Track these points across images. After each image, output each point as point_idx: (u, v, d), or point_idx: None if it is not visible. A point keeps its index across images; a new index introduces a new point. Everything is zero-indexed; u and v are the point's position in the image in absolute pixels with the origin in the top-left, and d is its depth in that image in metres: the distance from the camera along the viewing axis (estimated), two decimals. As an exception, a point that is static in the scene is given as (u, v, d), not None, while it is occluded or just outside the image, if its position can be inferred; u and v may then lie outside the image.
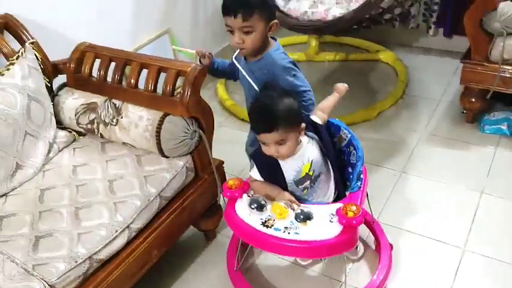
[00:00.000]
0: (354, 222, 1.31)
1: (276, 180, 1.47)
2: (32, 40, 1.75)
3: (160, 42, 2.56)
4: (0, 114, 1.55)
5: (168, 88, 1.60)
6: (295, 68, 1.58)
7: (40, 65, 1.75)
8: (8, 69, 1.65)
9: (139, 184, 1.54)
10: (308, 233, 1.34)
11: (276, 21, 1.53)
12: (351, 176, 1.52)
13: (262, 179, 1.49)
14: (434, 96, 2.64)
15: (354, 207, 1.34)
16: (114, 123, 1.69)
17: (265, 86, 1.51)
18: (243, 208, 1.43)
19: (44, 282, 1.26)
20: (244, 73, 1.57)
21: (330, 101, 1.60)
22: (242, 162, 2.28)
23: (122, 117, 1.67)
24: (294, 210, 1.39)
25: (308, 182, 1.45)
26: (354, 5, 2.22)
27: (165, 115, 1.60)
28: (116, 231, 1.41)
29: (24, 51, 1.70)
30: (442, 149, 2.27)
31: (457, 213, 1.92)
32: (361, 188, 1.46)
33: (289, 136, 1.38)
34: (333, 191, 1.52)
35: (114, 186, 1.55)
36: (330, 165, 1.50)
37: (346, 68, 3.03)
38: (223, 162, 1.80)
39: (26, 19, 1.79)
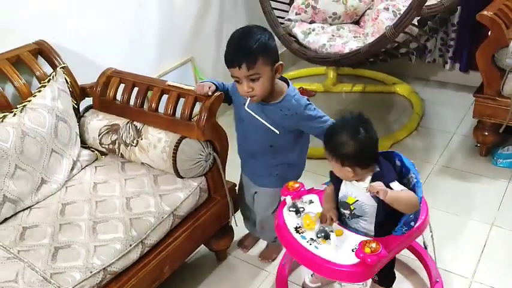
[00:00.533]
0: (369, 259, 1.31)
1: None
2: (62, 65, 1.88)
3: (183, 70, 2.68)
4: (31, 133, 1.67)
5: (186, 112, 1.70)
6: (319, 112, 1.65)
7: (69, 88, 1.87)
8: (39, 91, 1.77)
9: (155, 202, 1.62)
10: (326, 251, 1.39)
11: (281, 62, 1.54)
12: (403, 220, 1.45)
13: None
14: (449, 130, 2.68)
15: (373, 245, 1.34)
16: (134, 144, 1.79)
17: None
18: (287, 212, 1.54)
19: (60, 290, 1.34)
20: (255, 115, 1.57)
21: None
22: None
23: (141, 139, 1.77)
24: (324, 225, 1.44)
25: (348, 212, 1.48)
26: (370, 39, 2.30)
27: (182, 138, 1.69)
28: (130, 245, 1.49)
29: (55, 75, 1.82)
30: (454, 181, 2.30)
31: (467, 244, 1.93)
32: (405, 234, 1.44)
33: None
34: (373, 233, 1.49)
35: (130, 203, 1.63)
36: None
37: (363, 99, 3.10)
38: (235, 185, 1.87)
39: (59, 46, 1.93)
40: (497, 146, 2.40)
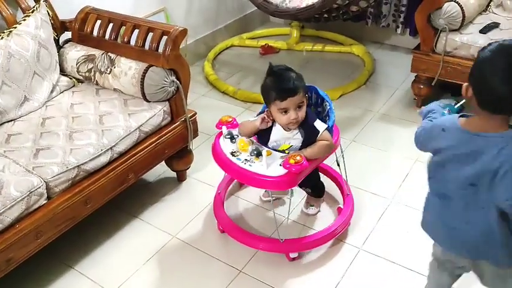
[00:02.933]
0: (293, 169, 1.60)
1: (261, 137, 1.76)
2: (45, -1, 2.11)
3: (155, 18, 2.91)
4: (16, 54, 1.91)
5: (153, 44, 1.96)
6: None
7: (50, 21, 2.11)
8: (24, 20, 2.00)
9: (124, 118, 1.90)
10: (258, 167, 1.67)
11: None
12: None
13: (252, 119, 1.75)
14: (394, 85, 3.00)
15: (298, 157, 1.63)
16: (108, 72, 2.04)
17: (271, 66, 1.73)
18: (223, 140, 1.79)
19: (41, 179, 1.61)
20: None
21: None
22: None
23: (114, 67, 2.03)
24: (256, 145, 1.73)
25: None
26: (324, -4, 2.59)
27: (150, 66, 1.95)
28: (101, 150, 1.76)
29: (39, 7, 2.05)
30: (390, 126, 2.63)
31: (392, 174, 2.27)
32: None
33: (304, 100, 1.67)
34: None
35: (103, 119, 1.90)
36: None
37: (322, 57, 3.39)
38: (195, 113, 2.15)
39: (42, -18, 2.15)
40: (432, 100, 2.73)
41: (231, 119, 1.85)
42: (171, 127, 2.03)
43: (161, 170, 2.29)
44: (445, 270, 1.47)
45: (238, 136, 1.79)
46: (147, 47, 1.99)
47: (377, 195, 2.15)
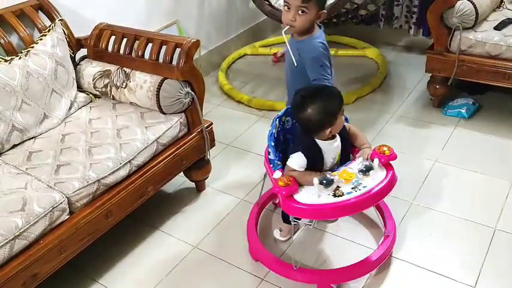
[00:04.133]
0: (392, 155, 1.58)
1: (314, 167, 1.61)
2: (60, 18, 2.15)
3: (168, 31, 2.95)
4: (34, 73, 1.94)
5: (167, 57, 1.98)
6: (324, 61, 1.79)
7: (66, 39, 2.15)
8: (40, 39, 2.05)
9: (141, 132, 1.92)
10: (371, 182, 1.54)
11: (324, 11, 1.74)
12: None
13: (301, 169, 1.59)
14: (409, 86, 2.98)
15: (385, 148, 1.60)
16: (124, 86, 2.07)
17: None
18: (306, 196, 1.54)
19: (63, 194, 1.64)
20: (289, 48, 1.78)
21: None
22: (234, 134, 2.68)
23: (130, 81, 2.05)
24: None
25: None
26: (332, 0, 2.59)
27: (164, 78, 1.98)
28: (120, 163, 1.78)
29: (54, 26, 2.10)
30: (407, 127, 2.61)
31: (413, 175, 2.24)
32: None
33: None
34: None
35: (120, 133, 1.92)
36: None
37: (335, 61, 3.33)
38: (211, 124, 2.16)
39: (57, 2, 2.20)
40: (449, 99, 2.71)
41: (287, 179, 1.56)
42: (188, 138, 2.04)
43: (180, 181, 2.30)
44: None
45: (334, 176, 1.56)
46: (161, 60, 2.02)
47: (396, 198, 2.13)
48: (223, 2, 3.38)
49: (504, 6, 2.67)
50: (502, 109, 2.65)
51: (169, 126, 1.96)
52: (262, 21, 3.73)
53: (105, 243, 1.93)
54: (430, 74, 2.67)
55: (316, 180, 1.51)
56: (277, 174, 1.60)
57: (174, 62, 1.97)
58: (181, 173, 2.14)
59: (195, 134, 2.07)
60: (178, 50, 1.96)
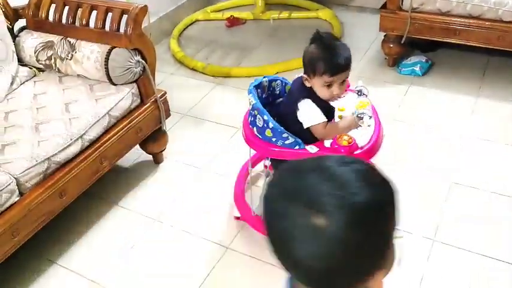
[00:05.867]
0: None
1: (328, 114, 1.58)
2: (-7, -14, 1.99)
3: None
4: (-33, 47, 1.80)
5: (114, 25, 1.87)
6: None
7: (1, 9, 1.99)
8: (-28, 10, 1.89)
9: (91, 105, 1.83)
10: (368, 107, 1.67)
11: None
12: None
13: (324, 118, 1.55)
14: (364, 46, 2.97)
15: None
16: (69, 58, 1.96)
17: (319, 33, 1.54)
18: (362, 138, 1.57)
19: (10, 175, 1.54)
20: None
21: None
22: (190, 103, 2.61)
23: (75, 52, 1.94)
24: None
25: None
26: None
27: (112, 48, 1.88)
28: (71, 139, 1.70)
29: (-13, -5, 1.94)
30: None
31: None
32: None
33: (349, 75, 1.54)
34: None
35: (69, 108, 1.82)
36: None
37: (289, 24, 3.33)
38: (165, 93, 2.09)
39: (-12, -32, 2.03)
40: (403, 58, 2.73)
41: (348, 137, 1.55)
42: (142, 109, 1.97)
43: (137, 155, 2.23)
44: None
45: (362, 110, 1.62)
46: (107, 28, 1.91)
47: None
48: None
49: (453, -38, 2.68)
50: (454, 65, 2.69)
51: (121, 98, 1.88)
52: (214, -15, 3.61)
53: (62, 222, 1.86)
54: (384, 34, 2.66)
55: (366, 118, 1.59)
56: (312, 148, 1.54)
57: (122, 30, 1.87)
58: (138, 145, 2.07)
59: (148, 104, 2.00)
60: (125, 16, 1.86)
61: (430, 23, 2.45)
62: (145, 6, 1.87)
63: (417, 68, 2.64)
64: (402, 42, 2.59)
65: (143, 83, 1.96)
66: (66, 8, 2.00)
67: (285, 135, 1.55)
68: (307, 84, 1.55)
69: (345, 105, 1.69)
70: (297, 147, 1.56)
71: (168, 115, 2.12)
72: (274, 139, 1.57)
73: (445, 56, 2.76)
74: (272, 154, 1.63)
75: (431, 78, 2.62)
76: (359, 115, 1.59)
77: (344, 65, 1.49)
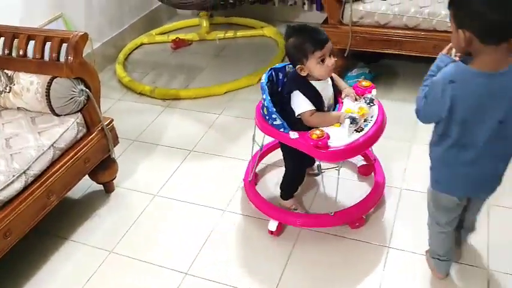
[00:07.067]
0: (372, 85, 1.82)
1: (317, 104, 1.68)
2: None
3: (54, 26, 2.73)
4: None
5: (53, 54, 1.82)
6: None
7: None
8: None
9: (34, 138, 1.76)
10: (374, 112, 1.72)
11: None
12: None
13: (312, 107, 1.67)
14: (309, 61, 3.03)
15: (363, 82, 1.84)
16: (7, 91, 1.88)
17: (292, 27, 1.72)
18: (337, 139, 1.62)
19: None
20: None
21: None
22: (139, 128, 2.57)
23: (14, 85, 1.87)
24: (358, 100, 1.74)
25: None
26: (226, -18, 2.55)
27: (53, 78, 1.82)
28: (13, 176, 1.62)
29: None
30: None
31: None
32: None
33: None
34: None
35: (10, 143, 1.75)
36: None
37: (236, 43, 3.36)
38: (112, 120, 2.04)
39: None
40: (347, 70, 2.80)
41: (319, 132, 1.63)
42: (88, 139, 1.91)
43: (86, 185, 2.16)
44: (451, 225, 1.54)
45: (355, 114, 1.66)
46: (47, 58, 1.85)
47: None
48: (112, -9, 3.19)
49: (387, -23, 2.79)
50: (395, 74, 2.79)
51: (66, 129, 1.82)
52: (157, 7, 3.59)
53: (9, 265, 1.76)
54: (327, 48, 2.73)
55: (347, 121, 1.62)
56: (294, 134, 1.66)
57: (62, 59, 1.82)
58: (87, 176, 2.01)
59: (95, 133, 1.95)
60: (65, 45, 1.81)
61: (371, 36, 2.54)
62: (85, 34, 1.83)
63: (362, 79, 2.71)
64: (345, 55, 2.66)
65: (88, 111, 1.91)
66: (2, 39, 1.93)
67: (274, 116, 1.69)
68: (303, 74, 1.67)
69: (354, 109, 1.71)
70: (282, 129, 1.69)
71: (116, 142, 2.07)
72: (267, 117, 1.73)
73: (387, 66, 2.86)
74: (263, 130, 1.78)
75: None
76: (347, 116, 1.65)
77: (326, 36, 1.67)
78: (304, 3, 3.38)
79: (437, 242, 1.60)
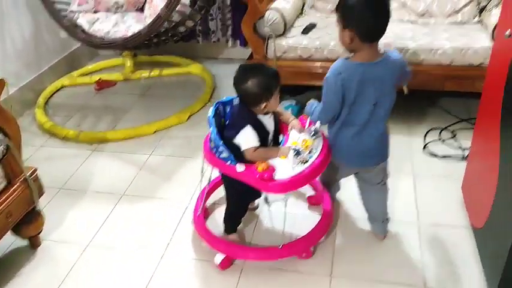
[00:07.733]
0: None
1: (263, 138, 1.72)
2: None
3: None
4: None
5: (-34, 104, 1.70)
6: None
7: None
8: None
9: None
10: (319, 144, 1.74)
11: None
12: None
13: (258, 143, 1.69)
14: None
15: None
16: None
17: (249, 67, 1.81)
18: (282, 172, 1.64)
19: None
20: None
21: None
22: (65, 175, 2.44)
23: None
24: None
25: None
26: (149, 21, 2.53)
27: (-34, 129, 1.69)
28: None
29: None
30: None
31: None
32: None
33: None
34: None
35: None
36: None
37: (162, 82, 3.33)
38: (36, 170, 1.92)
39: None
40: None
41: (264, 164, 1.64)
42: (10, 191, 1.78)
43: (9, 242, 1.99)
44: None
45: (298, 146, 1.68)
46: (-42, 108, 1.72)
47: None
48: (27, 35, 3.05)
49: (305, 12, 2.93)
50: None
51: (-17, 183, 1.68)
52: (77, 48, 3.49)
53: None
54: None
55: (292, 153, 1.65)
56: (241, 167, 1.66)
57: (-24, 108, 1.70)
58: (10, 231, 1.86)
59: (18, 184, 1.81)
60: (-22, 93, 1.70)
61: (295, 69, 2.62)
62: (2, 80, 1.73)
63: (289, 112, 2.77)
64: (273, 88, 2.72)
65: (8, 162, 1.78)
66: None
67: (221, 148, 1.69)
68: (264, 110, 1.70)
69: (298, 141, 1.73)
70: (229, 162, 1.69)
71: (41, 193, 1.94)
72: (214, 150, 1.73)
73: (312, 97, 2.94)
74: (210, 162, 1.78)
75: (303, 120, 2.77)
76: (292, 148, 1.68)
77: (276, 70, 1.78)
78: (227, 40, 3.44)
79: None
